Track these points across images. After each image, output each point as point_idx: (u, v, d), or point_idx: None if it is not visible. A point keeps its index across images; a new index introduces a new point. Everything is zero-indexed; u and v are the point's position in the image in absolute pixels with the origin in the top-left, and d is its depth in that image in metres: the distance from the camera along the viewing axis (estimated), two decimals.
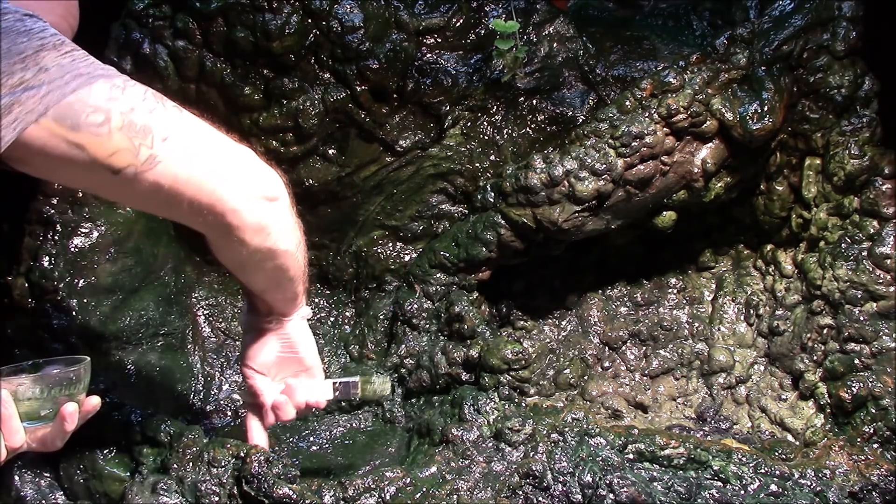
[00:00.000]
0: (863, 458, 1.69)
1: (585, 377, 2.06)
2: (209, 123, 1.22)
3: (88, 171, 1.08)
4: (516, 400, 1.80)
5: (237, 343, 2.04)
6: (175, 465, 1.56)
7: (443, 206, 2.10)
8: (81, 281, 1.82)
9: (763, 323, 2.04)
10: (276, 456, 1.54)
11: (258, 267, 1.35)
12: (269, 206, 1.25)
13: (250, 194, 1.21)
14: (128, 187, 1.11)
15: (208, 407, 1.96)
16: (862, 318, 1.85)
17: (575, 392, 2.04)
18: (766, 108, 1.83)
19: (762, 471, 1.62)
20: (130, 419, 1.69)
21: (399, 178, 2.06)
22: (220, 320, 2.06)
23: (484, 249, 1.93)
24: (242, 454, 1.54)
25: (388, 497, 1.51)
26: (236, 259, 1.33)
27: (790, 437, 1.89)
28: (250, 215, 1.22)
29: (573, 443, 1.62)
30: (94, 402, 1.26)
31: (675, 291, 2.14)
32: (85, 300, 1.82)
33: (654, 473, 1.60)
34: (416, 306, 1.97)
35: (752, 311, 2.06)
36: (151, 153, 1.09)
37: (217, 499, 1.52)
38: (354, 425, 1.90)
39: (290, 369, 1.57)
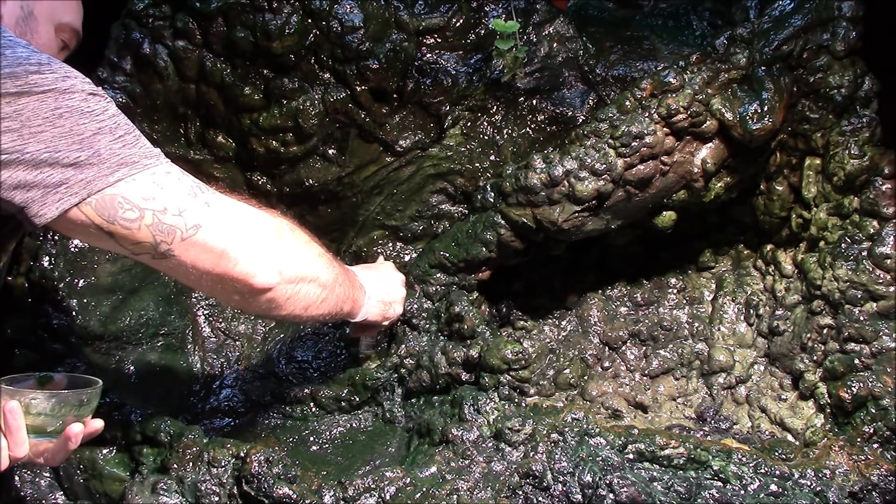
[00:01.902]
0: (863, 458, 1.69)
1: (585, 377, 2.06)
2: (241, 200, 1.36)
3: (110, 246, 1.24)
4: (516, 400, 1.80)
5: (237, 343, 2.04)
6: (175, 465, 1.56)
7: (443, 206, 2.10)
8: (81, 281, 1.82)
9: (763, 323, 2.04)
10: (276, 456, 1.54)
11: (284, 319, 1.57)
12: (261, 297, 1.36)
13: (249, 289, 1.33)
14: (139, 259, 1.29)
15: (208, 407, 1.96)
16: (862, 318, 1.85)
17: (575, 392, 2.04)
18: (766, 108, 1.82)
19: (762, 471, 1.62)
20: (130, 419, 1.69)
21: (399, 178, 2.06)
22: (220, 320, 2.06)
23: (484, 249, 1.93)
24: (242, 454, 1.54)
25: (388, 497, 1.51)
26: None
27: (790, 437, 1.89)
28: (252, 305, 1.38)
29: (573, 443, 1.62)
30: (98, 424, 1.31)
31: (675, 291, 2.14)
32: (85, 300, 1.82)
33: (654, 473, 1.60)
34: (416, 306, 1.96)
35: (752, 311, 2.06)
36: (169, 248, 1.24)
37: (217, 499, 1.52)
38: (354, 425, 1.90)
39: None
